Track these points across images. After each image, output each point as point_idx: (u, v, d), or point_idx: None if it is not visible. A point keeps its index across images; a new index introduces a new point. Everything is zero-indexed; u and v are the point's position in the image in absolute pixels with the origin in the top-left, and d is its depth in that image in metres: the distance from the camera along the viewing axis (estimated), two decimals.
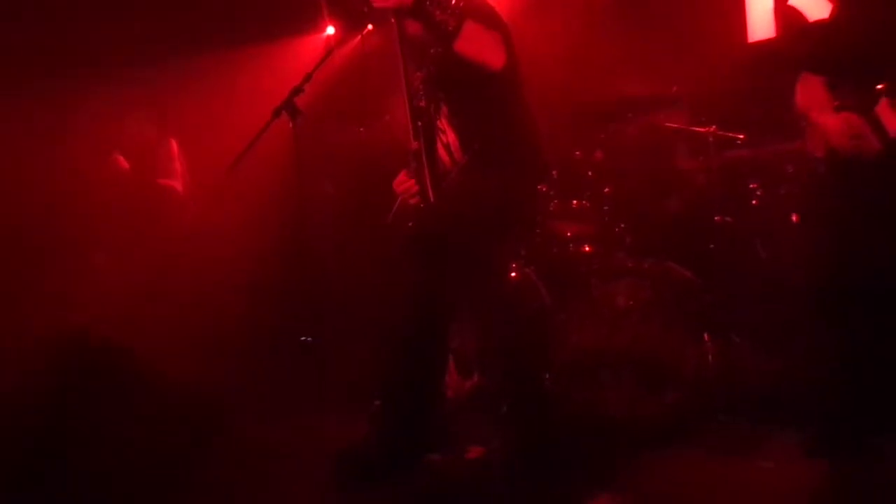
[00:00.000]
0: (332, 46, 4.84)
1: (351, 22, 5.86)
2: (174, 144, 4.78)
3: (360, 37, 5.78)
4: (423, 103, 2.95)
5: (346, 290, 4.71)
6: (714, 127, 3.94)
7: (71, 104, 4.57)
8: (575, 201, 3.89)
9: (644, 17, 4.91)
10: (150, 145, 4.78)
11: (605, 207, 3.87)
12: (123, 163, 4.70)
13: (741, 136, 3.96)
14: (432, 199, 2.82)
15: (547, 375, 3.57)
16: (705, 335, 3.41)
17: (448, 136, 2.96)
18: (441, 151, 2.97)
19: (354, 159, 5.63)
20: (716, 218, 3.85)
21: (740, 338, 3.57)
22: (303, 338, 4.33)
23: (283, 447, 3.23)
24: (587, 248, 3.87)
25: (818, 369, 2.81)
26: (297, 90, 2.98)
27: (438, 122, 2.96)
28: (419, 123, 2.89)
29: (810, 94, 2.82)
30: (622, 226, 3.85)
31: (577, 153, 4.00)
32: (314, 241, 3.89)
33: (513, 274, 4.03)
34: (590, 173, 3.91)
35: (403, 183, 3.02)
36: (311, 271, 3.93)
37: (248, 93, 4.71)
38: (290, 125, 3.02)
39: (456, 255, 2.78)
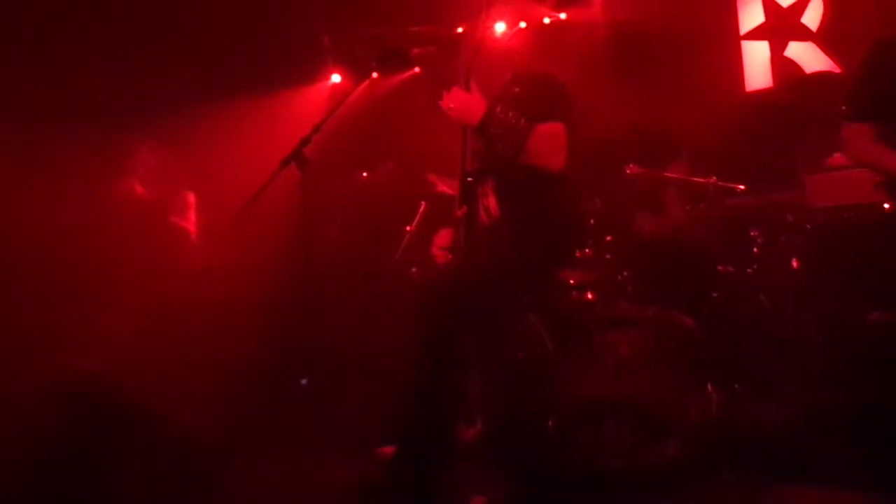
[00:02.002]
0: (340, 96, 4.94)
1: (357, 69, 5.99)
2: (191, 195, 4.87)
3: (365, 83, 5.90)
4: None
5: (349, 330, 4.73)
6: (714, 178, 4.00)
7: (84, 147, 4.63)
8: (578, 250, 3.92)
9: (641, 65, 5.02)
10: (163, 172, 4.85)
11: (608, 256, 3.90)
12: (139, 190, 4.77)
13: (741, 187, 4.01)
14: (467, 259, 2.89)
15: (549, 423, 3.57)
16: (708, 385, 3.41)
17: (489, 200, 3.07)
18: (481, 212, 3.06)
19: (358, 203, 5.70)
20: (718, 267, 3.88)
21: (743, 388, 3.57)
22: (302, 380, 4.33)
23: (284, 489, 3.21)
24: (590, 296, 3.88)
25: (823, 420, 2.81)
26: (306, 141, 3.04)
27: (482, 188, 3.10)
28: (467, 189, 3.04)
29: (862, 142, 2.90)
30: (624, 274, 3.87)
31: (581, 202, 4.04)
32: (319, 284, 3.91)
33: (515, 320, 4.06)
34: (591, 221, 3.95)
35: (443, 237, 3.17)
36: (316, 312, 3.95)
37: (255, 140, 4.79)
38: (299, 174, 3.06)
39: (474, 306, 2.82)
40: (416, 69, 6.05)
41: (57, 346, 3.65)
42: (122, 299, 4.20)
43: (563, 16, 6.22)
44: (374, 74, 6.08)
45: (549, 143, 2.90)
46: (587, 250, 3.89)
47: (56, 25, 4.67)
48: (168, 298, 4.18)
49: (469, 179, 3.08)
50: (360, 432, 3.78)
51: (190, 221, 4.85)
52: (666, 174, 4.23)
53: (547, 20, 6.24)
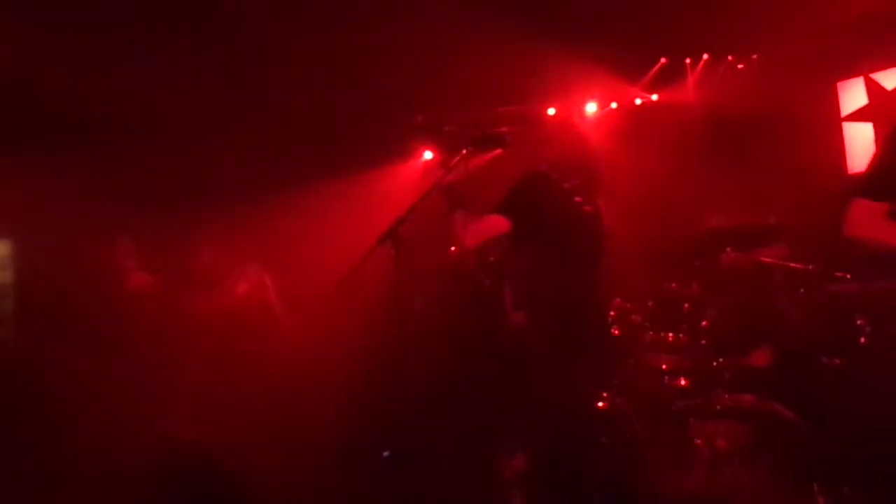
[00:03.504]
0: (431, 173, 5.07)
1: (448, 146, 6.16)
2: (266, 278, 5.02)
3: (455, 161, 6.05)
4: None
5: (432, 402, 4.69)
6: (812, 266, 3.84)
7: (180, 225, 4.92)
8: (671, 334, 3.81)
9: (740, 148, 4.95)
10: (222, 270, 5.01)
11: (703, 342, 3.77)
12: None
13: (847, 275, 3.83)
14: None
15: None
16: (814, 486, 3.18)
17: None
18: None
19: (442, 276, 5.75)
20: (823, 358, 3.68)
21: (853, 490, 3.31)
22: (384, 453, 4.31)
23: None
24: (683, 382, 3.74)
25: None
26: (402, 220, 3.11)
27: None
28: None
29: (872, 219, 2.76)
30: (721, 361, 3.72)
31: (673, 285, 3.96)
32: (406, 357, 3.93)
33: (600, 404, 3.95)
34: (686, 306, 3.85)
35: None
36: (401, 385, 3.96)
37: (353, 216, 4.95)
38: (393, 252, 3.13)
39: None
40: (504, 148, 6.15)
41: (156, 415, 3.80)
42: (216, 373, 4.35)
43: (654, 97, 6.27)
44: (464, 152, 6.22)
45: None
46: (681, 335, 3.77)
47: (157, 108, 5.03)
48: (261, 371, 4.30)
49: None
50: None
51: (278, 296, 5.00)
52: (763, 259, 4.09)
53: (639, 101, 6.31)
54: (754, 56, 5.66)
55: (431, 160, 6.22)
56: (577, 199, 3.60)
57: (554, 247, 3.43)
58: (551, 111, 6.21)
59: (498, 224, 3.61)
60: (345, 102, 5.64)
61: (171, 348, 4.58)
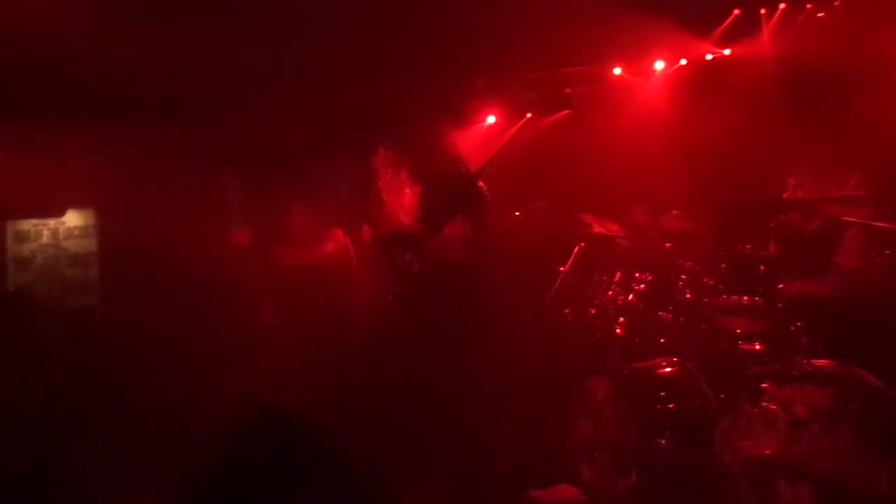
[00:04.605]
0: (495, 137, 5.04)
1: (512, 111, 6.09)
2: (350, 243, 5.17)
3: (519, 124, 5.99)
4: None
5: (500, 370, 4.73)
6: None
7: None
8: (746, 297, 3.71)
9: (821, 103, 4.71)
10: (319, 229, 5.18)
11: (780, 304, 3.65)
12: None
13: None
14: None
15: (712, 480, 3.37)
16: None
17: None
18: None
19: (510, 241, 5.73)
20: None
21: None
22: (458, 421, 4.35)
23: None
24: (758, 347, 3.65)
25: None
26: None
27: None
28: None
29: None
30: (798, 324, 3.61)
31: (748, 246, 3.84)
32: (473, 325, 3.96)
33: (669, 369, 3.90)
34: (762, 267, 3.73)
35: None
36: (470, 353, 4.00)
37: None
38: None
39: None
40: (570, 109, 6.06)
41: (241, 375, 3.95)
42: (298, 329, 4.49)
43: (727, 51, 6.01)
44: (528, 115, 6.15)
45: None
46: (757, 298, 3.67)
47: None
48: (336, 330, 4.40)
49: None
50: (510, 472, 3.75)
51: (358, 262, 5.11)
52: (846, 218, 3.91)
53: (710, 56, 6.07)
54: (836, 2, 5.33)
55: (495, 124, 6.16)
56: None
57: None
58: (617, 70, 6.05)
59: None
60: (408, 67, 5.63)
61: (258, 301, 4.78)
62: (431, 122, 4.46)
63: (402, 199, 4.09)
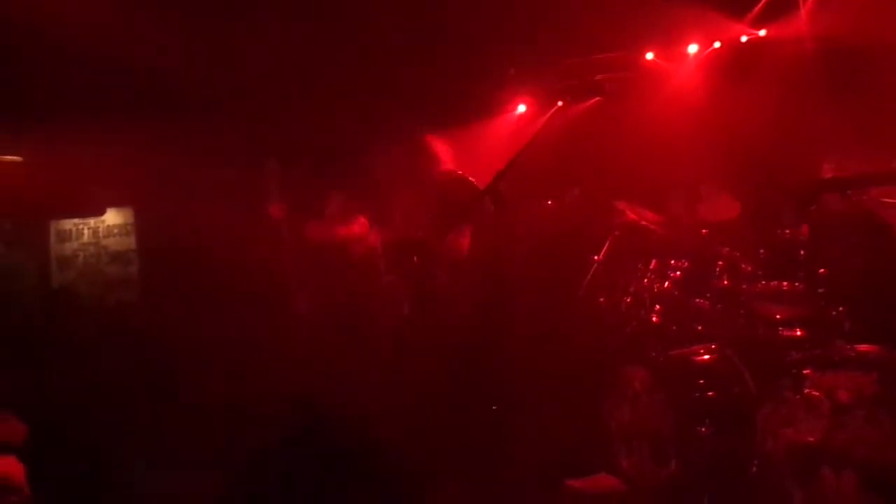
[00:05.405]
0: (526, 126, 5.02)
1: (542, 99, 6.04)
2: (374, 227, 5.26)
3: (551, 112, 5.93)
4: None
5: (536, 358, 4.72)
6: None
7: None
8: (786, 282, 3.63)
9: (860, 84, 4.58)
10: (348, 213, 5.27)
11: (820, 290, 3.57)
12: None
13: None
14: None
15: (753, 468, 3.32)
16: None
17: None
18: None
19: (543, 231, 5.71)
20: None
21: None
22: (493, 406, 4.36)
23: None
24: (799, 333, 3.58)
25: None
26: (501, 176, 3.10)
27: None
28: None
29: None
30: (840, 310, 3.52)
31: (787, 231, 3.76)
32: (508, 314, 3.96)
33: (707, 356, 3.84)
34: (801, 252, 3.65)
35: None
36: (505, 340, 4.00)
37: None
38: (492, 207, 3.14)
39: None
40: (602, 96, 5.98)
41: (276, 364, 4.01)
42: (328, 319, 4.54)
43: (762, 32, 5.88)
44: (560, 103, 6.09)
45: None
46: (796, 283, 3.59)
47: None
48: (370, 325, 4.44)
49: None
50: (548, 462, 3.75)
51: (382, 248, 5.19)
52: (885, 200, 3.81)
53: (745, 38, 5.94)
54: None
55: (526, 113, 6.12)
56: None
57: None
58: (650, 55, 5.96)
59: None
60: (438, 57, 5.63)
61: (292, 290, 4.88)
62: (438, 131, 4.57)
63: (408, 204, 4.25)
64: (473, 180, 4.31)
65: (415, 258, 4.24)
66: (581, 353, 4.39)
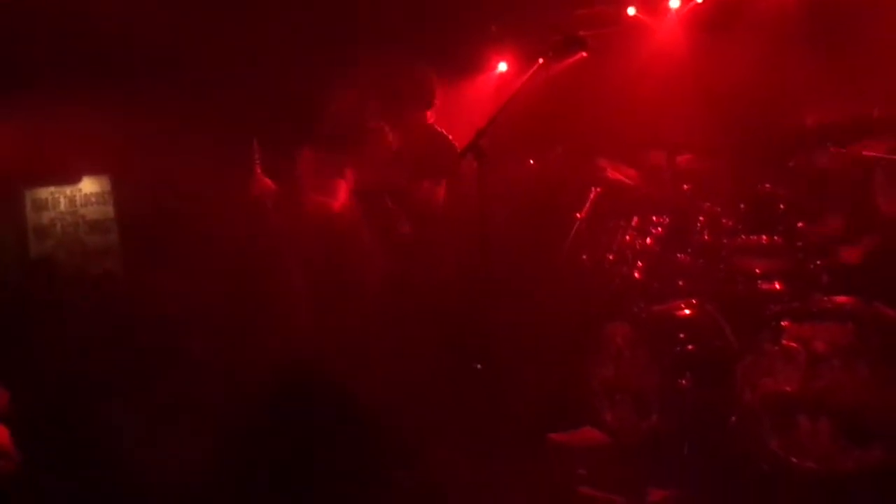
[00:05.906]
0: (507, 85, 4.96)
1: (523, 56, 5.96)
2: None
3: (532, 70, 5.86)
4: None
5: (520, 317, 4.75)
6: None
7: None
8: (765, 236, 3.67)
9: (840, 35, 4.55)
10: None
11: (799, 243, 3.61)
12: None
13: None
14: None
15: (733, 419, 3.40)
16: None
17: None
18: None
19: (526, 190, 5.70)
20: None
21: None
22: (477, 365, 4.40)
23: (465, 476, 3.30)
24: (778, 286, 3.63)
25: None
26: (482, 132, 3.08)
27: None
28: None
29: None
30: (818, 263, 3.57)
31: (767, 185, 3.78)
32: (491, 272, 3.97)
33: (688, 311, 3.89)
34: (781, 206, 3.68)
35: None
36: (488, 299, 4.02)
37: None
38: (475, 165, 3.12)
39: None
40: (583, 53, 5.90)
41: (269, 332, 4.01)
42: (317, 290, 4.52)
43: None
44: (541, 60, 6.01)
45: None
46: (776, 238, 3.63)
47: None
48: (352, 286, 4.43)
49: None
50: (532, 418, 3.81)
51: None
52: (865, 153, 3.83)
53: None
54: None
55: (507, 71, 6.05)
56: None
57: None
58: (631, 10, 5.89)
59: None
60: (415, 14, 5.53)
61: (278, 254, 4.84)
62: (417, 78, 4.50)
63: (384, 153, 4.20)
64: (451, 138, 4.30)
65: (388, 203, 4.22)
66: (564, 309, 4.42)
